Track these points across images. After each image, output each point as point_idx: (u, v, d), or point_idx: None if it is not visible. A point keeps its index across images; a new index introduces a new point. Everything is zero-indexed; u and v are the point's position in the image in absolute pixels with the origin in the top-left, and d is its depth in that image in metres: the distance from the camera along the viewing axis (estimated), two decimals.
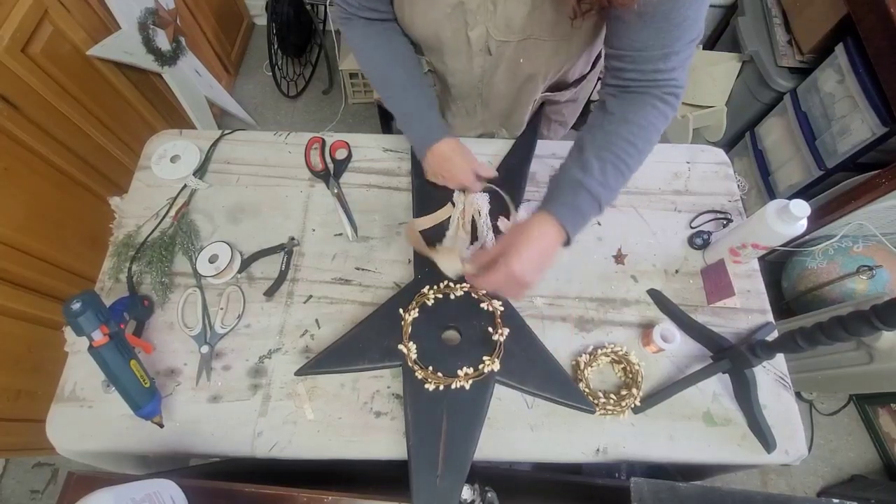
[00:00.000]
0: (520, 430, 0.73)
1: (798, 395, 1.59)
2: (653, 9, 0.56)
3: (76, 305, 0.64)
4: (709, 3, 0.59)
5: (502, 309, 0.77)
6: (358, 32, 0.77)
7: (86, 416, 0.74)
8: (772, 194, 1.70)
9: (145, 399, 0.67)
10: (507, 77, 0.79)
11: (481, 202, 0.87)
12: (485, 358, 0.73)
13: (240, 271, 0.84)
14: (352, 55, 1.96)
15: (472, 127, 0.96)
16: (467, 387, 0.71)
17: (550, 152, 0.97)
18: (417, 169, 0.92)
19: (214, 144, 0.97)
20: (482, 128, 0.97)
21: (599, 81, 0.86)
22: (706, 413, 0.75)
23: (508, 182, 0.91)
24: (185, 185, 0.92)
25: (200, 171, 0.94)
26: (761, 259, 0.86)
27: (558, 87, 0.89)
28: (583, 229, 0.64)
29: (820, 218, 1.40)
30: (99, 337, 0.65)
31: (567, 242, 0.64)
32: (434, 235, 0.85)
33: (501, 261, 0.61)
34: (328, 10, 2.11)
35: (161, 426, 0.70)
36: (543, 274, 0.64)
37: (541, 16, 0.65)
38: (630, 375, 0.76)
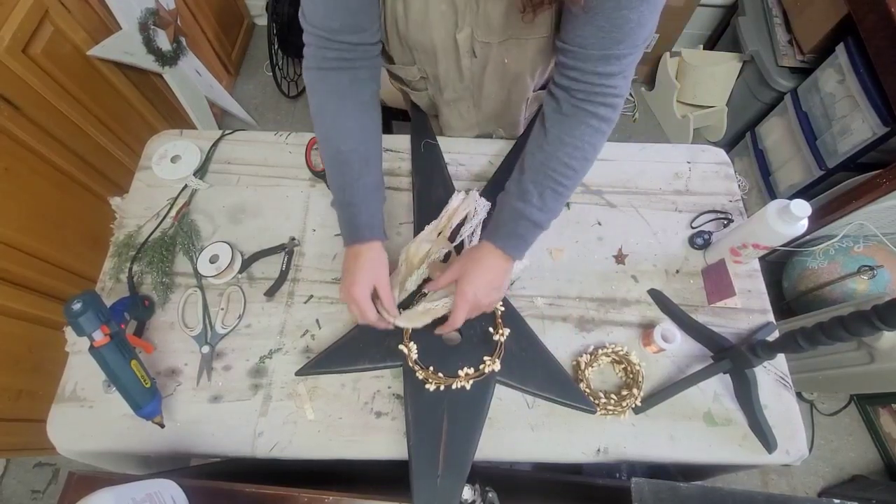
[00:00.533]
0: (520, 431, 0.73)
1: (799, 395, 1.59)
2: (596, 5, 0.55)
3: (77, 305, 0.64)
4: (658, 10, 0.56)
5: (503, 309, 0.77)
6: (329, 84, 0.68)
7: (86, 416, 0.74)
8: (772, 194, 1.70)
9: (146, 399, 0.67)
10: (495, 78, 0.78)
11: (479, 206, 0.86)
12: (485, 358, 0.73)
13: (240, 271, 0.84)
14: None
15: (467, 128, 0.96)
16: (468, 387, 0.71)
17: None
18: (418, 169, 0.92)
19: (215, 144, 0.97)
20: (478, 129, 0.97)
21: None
22: (707, 413, 0.75)
23: None
24: (185, 186, 0.92)
25: (201, 172, 0.94)
26: (762, 259, 0.85)
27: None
28: (528, 248, 0.69)
29: (821, 218, 1.40)
30: (100, 337, 0.65)
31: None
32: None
33: (458, 298, 0.67)
34: None
35: (162, 426, 0.70)
36: (498, 294, 0.71)
37: (517, 16, 0.64)
38: (631, 375, 0.76)
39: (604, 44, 0.58)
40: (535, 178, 0.65)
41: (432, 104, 0.92)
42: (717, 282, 0.82)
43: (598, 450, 0.72)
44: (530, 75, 0.79)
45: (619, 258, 0.87)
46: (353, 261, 0.70)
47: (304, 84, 0.71)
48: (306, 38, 0.67)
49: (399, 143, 0.98)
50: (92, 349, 0.65)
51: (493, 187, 0.91)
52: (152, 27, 1.45)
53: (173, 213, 0.89)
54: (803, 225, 0.71)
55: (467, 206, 0.86)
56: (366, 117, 0.72)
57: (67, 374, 0.77)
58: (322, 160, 0.72)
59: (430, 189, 0.89)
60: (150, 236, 0.87)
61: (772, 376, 0.78)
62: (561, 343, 0.79)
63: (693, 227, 0.90)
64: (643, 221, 0.91)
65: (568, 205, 0.92)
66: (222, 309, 0.81)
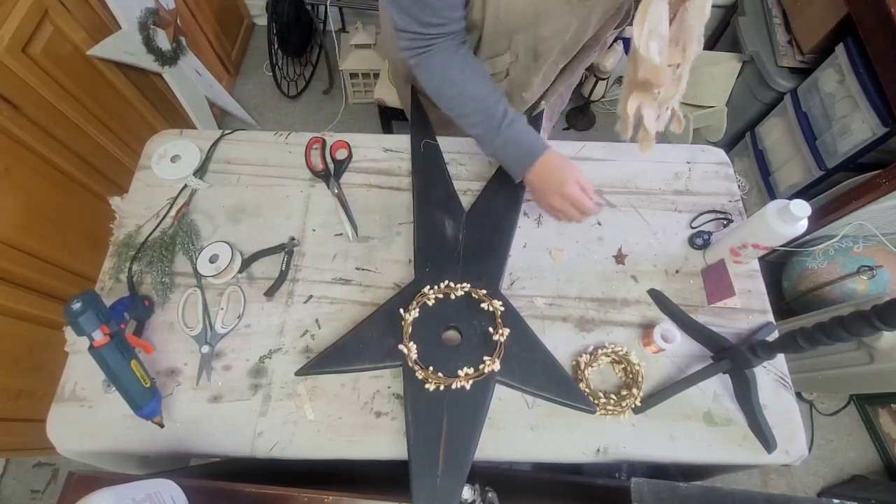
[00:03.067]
0: (520, 431, 0.73)
1: (798, 395, 1.59)
2: None
3: (77, 305, 0.64)
4: None
5: (502, 309, 0.77)
6: (440, 58, 0.72)
7: (86, 416, 0.74)
8: (772, 194, 1.70)
9: (146, 399, 0.67)
10: (597, 26, 0.77)
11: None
12: (485, 358, 0.73)
13: (240, 271, 0.84)
14: (352, 56, 1.96)
15: (538, 96, 0.95)
16: (468, 387, 0.71)
17: None
18: (418, 169, 0.92)
19: (215, 144, 0.97)
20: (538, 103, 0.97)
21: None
22: (707, 413, 0.75)
23: (509, 182, 0.91)
24: (185, 185, 0.92)
25: (201, 171, 0.94)
26: (762, 259, 0.86)
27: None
28: None
29: (820, 218, 1.40)
30: (99, 337, 0.65)
31: None
32: None
33: None
34: (328, 10, 2.11)
35: (161, 426, 0.70)
36: None
37: None
38: (630, 375, 0.76)
39: None
40: None
41: (510, 89, 0.90)
42: (716, 282, 0.82)
43: (598, 450, 0.72)
44: (615, 23, 0.78)
45: (619, 258, 0.87)
46: (551, 164, 0.75)
47: (416, 75, 0.75)
48: (401, 42, 0.71)
49: (399, 143, 0.98)
50: (91, 349, 0.65)
51: (493, 187, 0.91)
52: (152, 27, 1.45)
53: (173, 212, 0.89)
54: (803, 225, 0.71)
55: None
56: (479, 65, 0.75)
57: (67, 373, 0.77)
58: (461, 120, 0.76)
59: (430, 189, 0.89)
60: (149, 236, 0.87)
61: (771, 376, 0.78)
62: (561, 343, 0.79)
63: (693, 228, 0.90)
64: (643, 221, 0.91)
65: None
66: (222, 309, 0.81)
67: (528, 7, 0.71)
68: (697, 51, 0.69)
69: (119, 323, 0.70)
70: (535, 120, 0.96)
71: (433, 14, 0.68)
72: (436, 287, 0.78)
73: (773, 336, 0.80)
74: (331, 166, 0.94)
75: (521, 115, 0.76)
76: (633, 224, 0.91)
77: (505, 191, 0.90)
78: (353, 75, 2.04)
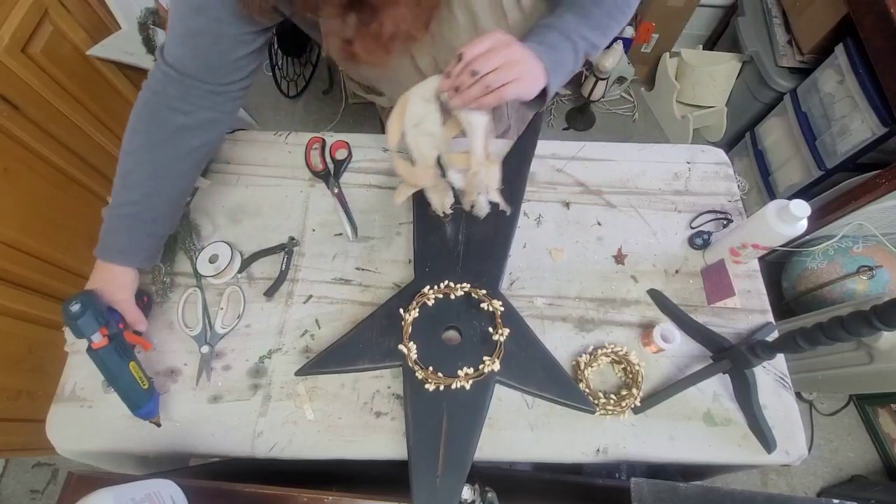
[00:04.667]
0: (520, 431, 0.73)
1: (798, 395, 1.59)
2: None
3: (75, 307, 0.63)
4: None
5: (502, 309, 0.77)
6: (155, 127, 0.68)
7: (86, 416, 0.74)
8: (772, 194, 1.70)
9: (143, 400, 0.67)
10: None
11: (477, 121, 0.65)
12: (485, 358, 0.73)
13: (240, 271, 0.84)
14: None
15: None
16: (468, 387, 0.71)
17: (551, 152, 0.97)
18: None
19: None
20: None
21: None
22: (706, 413, 0.75)
23: (509, 182, 0.91)
24: None
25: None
26: (761, 259, 0.86)
27: None
28: (560, 76, 0.63)
29: (820, 218, 1.40)
30: (98, 339, 0.65)
31: (544, 95, 0.63)
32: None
33: (491, 33, 0.58)
34: None
35: (158, 426, 0.70)
36: (520, 66, 0.59)
37: (484, 32, 0.60)
38: (630, 375, 0.76)
39: None
40: (574, 10, 0.64)
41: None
42: (716, 282, 0.82)
43: (598, 450, 0.72)
44: None
45: (619, 258, 0.87)
46: (100, 274, 0.71)
47: (150, 83, 0.67)
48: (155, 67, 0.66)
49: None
50: (90, 350, 0.65)
51: None
52: (152, 27, 1.45)
53: None
54: (803, 225, 0.71)
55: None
56: (179, 164, 0.73)
57: (67, 373, 0.77)
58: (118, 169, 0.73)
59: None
60: None
61: (771, 376, 0.78)
62: (560, 343, 0.79)
63: (692, 228, 0.90)
64: (643, 221, 0.91)
65: (567, 205, 0.92)
66: (221, 309, 0.81)
67: (372, 72, 0.72)
68: (481, 161, 0.68)
69: (118, 322, 0.70)
70: (535, 122, 0.96)
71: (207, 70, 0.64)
72: (436, 287, 0.78)
73: (773, 336, 0.80)
74: (330, 166, 0.94)
75: (130, 217, 0.74)
76: (633, 224, 0.91)
77: (505, 191, 0.90)
78: None
